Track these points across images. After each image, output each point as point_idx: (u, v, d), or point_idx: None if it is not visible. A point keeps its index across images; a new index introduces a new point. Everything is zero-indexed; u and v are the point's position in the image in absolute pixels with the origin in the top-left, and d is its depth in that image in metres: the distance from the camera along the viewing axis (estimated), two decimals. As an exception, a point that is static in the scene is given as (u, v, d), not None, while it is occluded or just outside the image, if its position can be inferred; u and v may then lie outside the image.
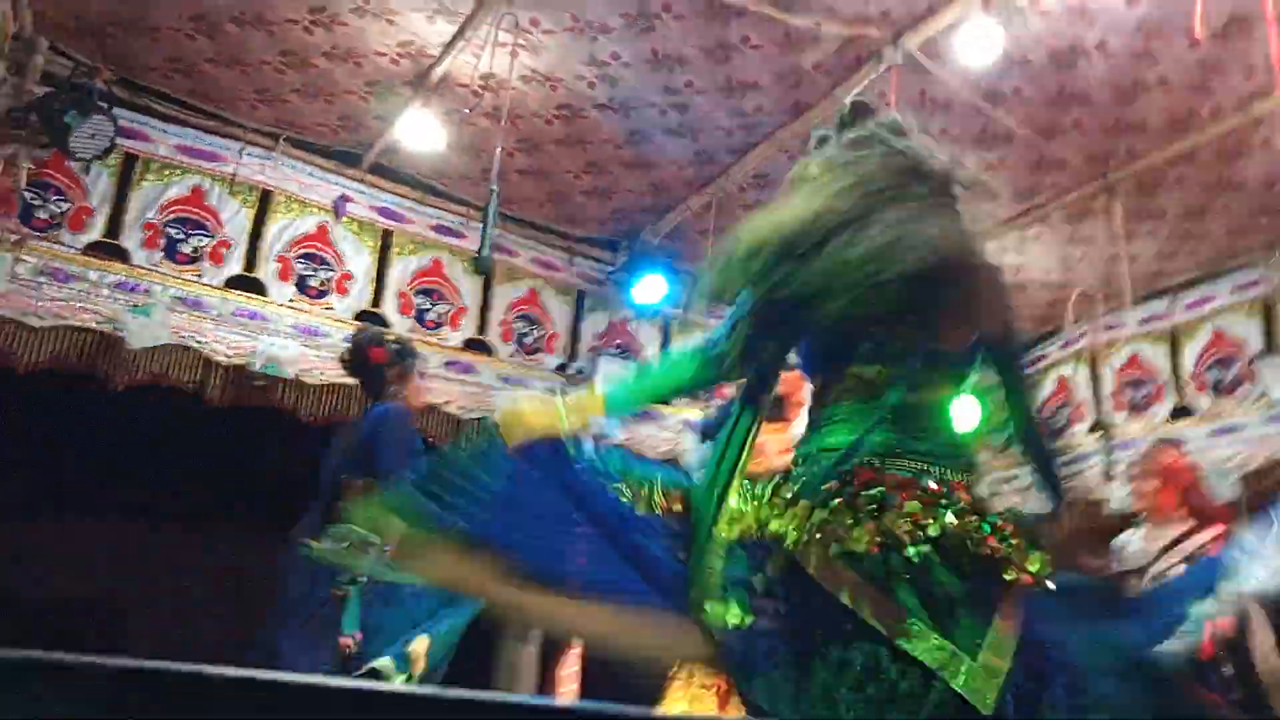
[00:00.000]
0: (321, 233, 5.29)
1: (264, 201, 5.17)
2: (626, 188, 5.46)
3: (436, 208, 5.58)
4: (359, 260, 5.38)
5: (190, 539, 5.43)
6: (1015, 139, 4.79)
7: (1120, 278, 5.52)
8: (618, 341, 5.94)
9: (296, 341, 5.11)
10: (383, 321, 5.37)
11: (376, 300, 5.40)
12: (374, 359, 3.75)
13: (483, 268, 4.36)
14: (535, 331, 5.82)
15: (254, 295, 5.08)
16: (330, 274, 5.30)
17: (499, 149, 4.18)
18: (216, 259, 5.03)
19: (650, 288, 5.72)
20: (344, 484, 3.43)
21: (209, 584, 5.27)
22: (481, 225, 3.80)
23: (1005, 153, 4.91)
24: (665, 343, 6.16)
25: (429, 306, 5.54)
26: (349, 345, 3.90)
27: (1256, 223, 5.27)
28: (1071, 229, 5.52)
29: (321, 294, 5.26)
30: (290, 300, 5.16)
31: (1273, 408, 5.39)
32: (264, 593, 3.59)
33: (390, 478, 3.39)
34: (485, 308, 5.68)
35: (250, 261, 5.10)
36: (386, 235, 5.48)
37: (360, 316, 5.32)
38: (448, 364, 5.50)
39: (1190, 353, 5.94)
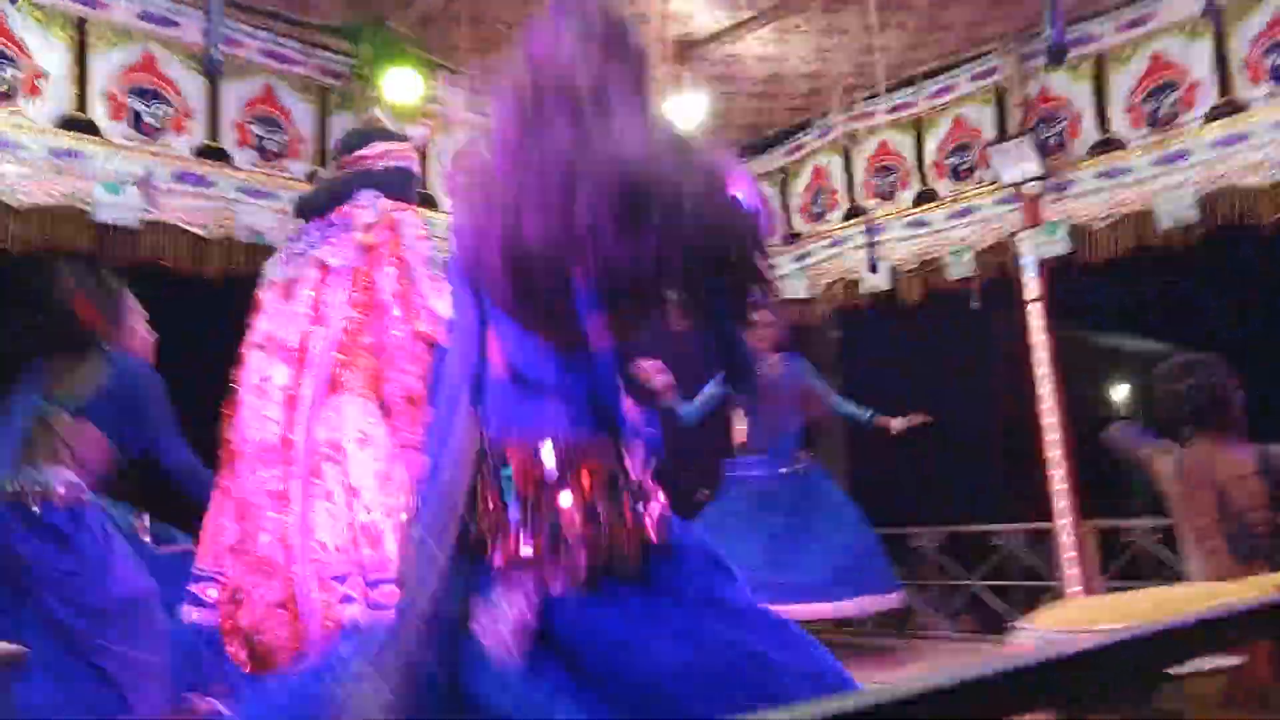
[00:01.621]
0: (-5, 21, 4.45)
1: (-87, -17, 4.25)
2: (367, -32, 4.91)
3: (141, -10, 4.81)
4: (51, 56, 4.56)
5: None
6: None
7: (872, 68, 5.65)
8: (371, 144, 5.48)
9: (-15, 156, 4.36)
10: (92, 128, 4.68)
11: (81, 104, 4.67)
12: (82, 314, 3.07)
13: (210, 69, 3.81)
14: (276, 135, 5.25)
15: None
16: (15, 72, 4.48)
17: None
18: None
19: (402, 82, 5.26)
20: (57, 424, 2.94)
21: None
22: (205, 17, 3.25)
23: (769, -62, 4.78)
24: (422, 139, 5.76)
25: (146, 109, 4.85)
26: (41, 298, 3.13)
27: (994, 14, 5.48)
28: (828, 20, 5.52)
29: (7, 96, 4.47)
30: (-31, 107, 4.36)
31: (1002, 191, 5.82)
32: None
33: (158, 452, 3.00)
34: (214, 109, 5.04)
35: (-94, 60, 4.24)
36: (82, 24, 4.67)
37: (65, 124, 4.59)
38: (180, 176, 4.90)
39: (933, 140, 6.26)
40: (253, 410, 2.79)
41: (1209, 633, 1.36)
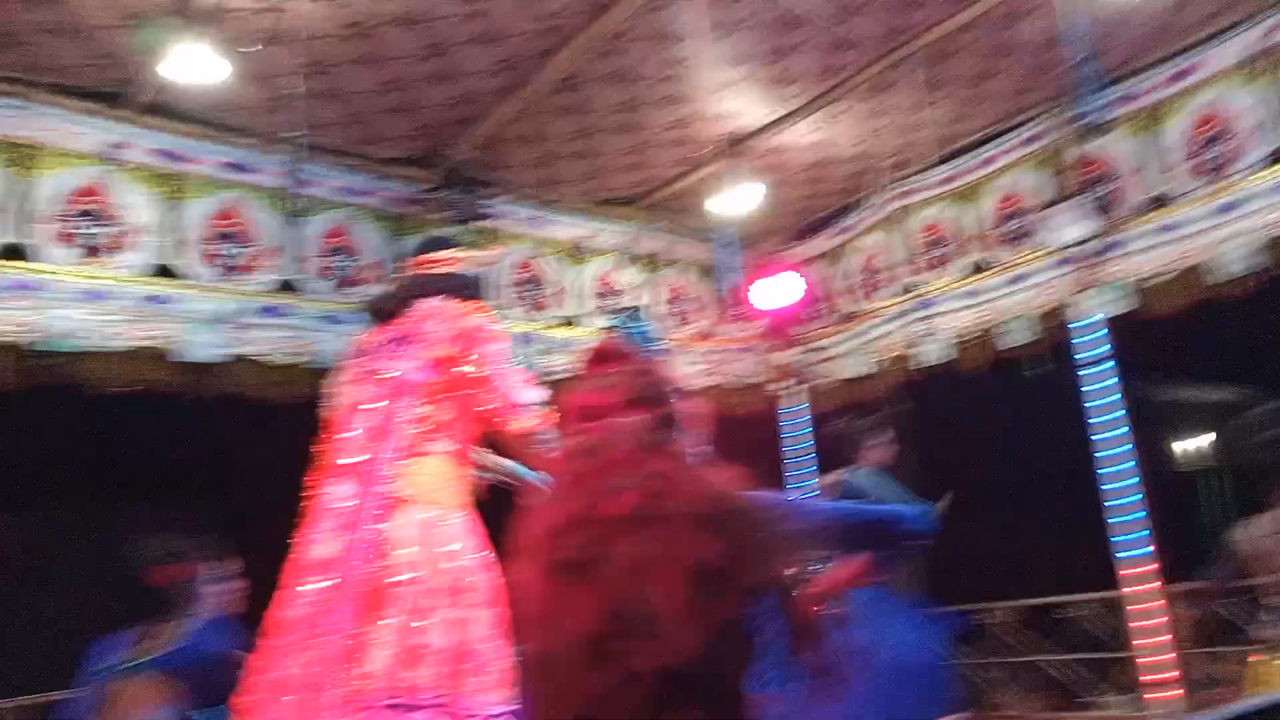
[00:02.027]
0: (97, 185, 4.76)
1: (25, 157, 4.57)
2: (430, 102, 5.16)
3: (225, 144, 5.12)
4: (146, 211, 4.89)
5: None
6: (811, 22, 4.82)
7: (919, 144, 5.77)
8: (440, 263, 5.70)
9: (85, 310, 4.63)
10: (181, 274, 4.95)
11: (171, 253, 4.95)
12: (159, 584, 3.09)
13: (294, 219, 4.02)
14: (351, 263, 5.51)
15: (27, 264, 4.54)
16: (113, 229, 4.80)
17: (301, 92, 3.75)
18: (-29, 226, 4.45)
19: (468, 203, 5.51)
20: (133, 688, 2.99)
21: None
22: (288, 173, 3.43)
23: (804, 36, 4.96)
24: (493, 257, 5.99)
25: (232, 252, 5.13)
26: (134, 567, 3.16)
27: (1037, 80, 5.58)
28: (872, 103, 5.68)
29: (107, 251, 4.76)
30: (75, 264, 4.65)
31: (1058, 254, 5.85)
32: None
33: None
34: (294, 245, 5.32)
35: (19, 226, 4.54)
36: (172, 179, 4.99)
37: (156, 272, 4.88)
38: (262, 310, 5.15)
39: (984, 209, 6.32)
40: (318, 531, 2.74)
41: None
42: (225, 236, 5.13)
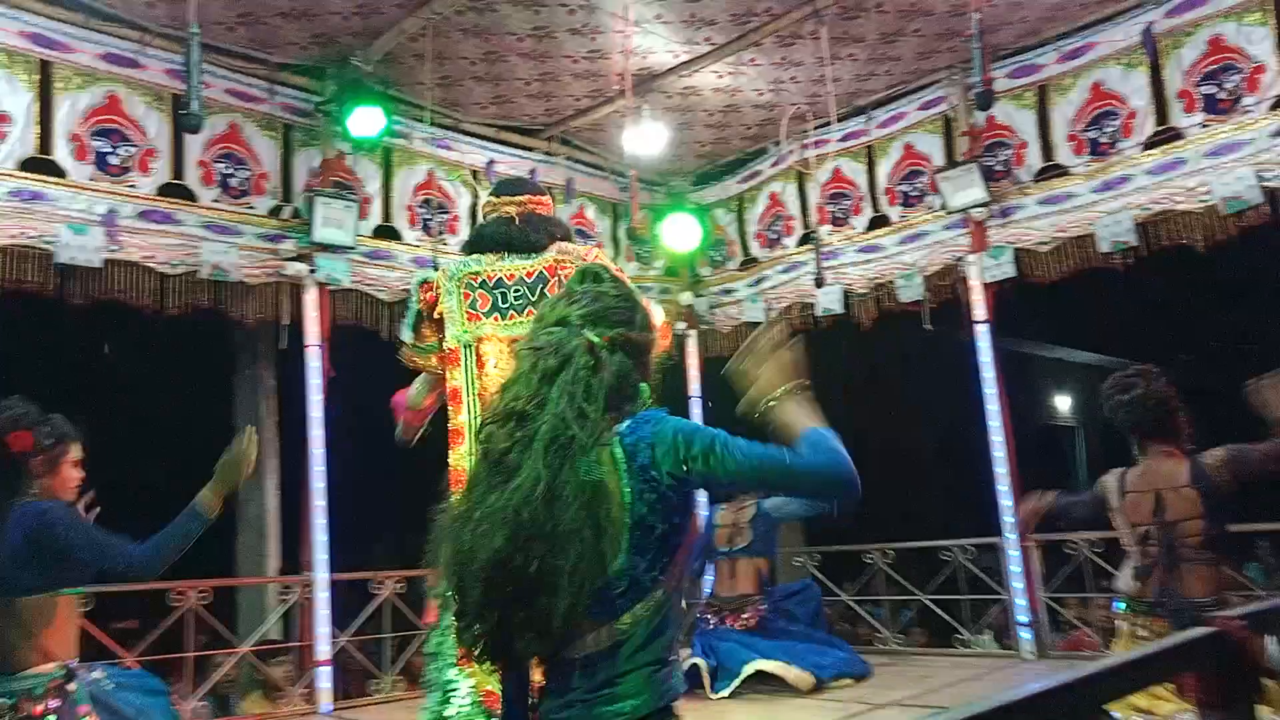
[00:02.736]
0: (-41, 67, 4.46)
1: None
2: (330, 9, 4.96)
3: (105, 33, 4.83)
4: (14, 99, 4.57)
5: None
6: (730, -35, 4.80)
7: (824, 98, 5.82)
8: (335, 179, 5.53)
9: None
10: (56, 169, 4.70)
11: (44, 146, 4.69)
12: (16, 447, 2.84)
13: (191, 125, 3.85)
14: (240, 172, 5.30)
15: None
16: (-22, 116, 4.52)
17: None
18: None
19: (365, 118, 5.34)
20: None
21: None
22: (186, 73, 3.28)
23: (724, -22, 4.93)
24: (386, 178, 5.83)
25: (110, 149, 4.88)
26: None
27: (942, 46, 5.67)
28: (782, 53, 5.68)
29: (-29, 142, 4.49)
30: (-67, 151, 4.37)
31: (950, 216, 6.01)
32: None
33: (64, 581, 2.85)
34: (179, 147, 5.08)
35: None
36: (46, 67, 4.69)
37: (28, 166, 4.62)
38: (143, 214, 4.92)
39: (884, 167, 6.44)
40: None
41: (1139, 671, 1.51)
42: (103, 133, 4.86)
